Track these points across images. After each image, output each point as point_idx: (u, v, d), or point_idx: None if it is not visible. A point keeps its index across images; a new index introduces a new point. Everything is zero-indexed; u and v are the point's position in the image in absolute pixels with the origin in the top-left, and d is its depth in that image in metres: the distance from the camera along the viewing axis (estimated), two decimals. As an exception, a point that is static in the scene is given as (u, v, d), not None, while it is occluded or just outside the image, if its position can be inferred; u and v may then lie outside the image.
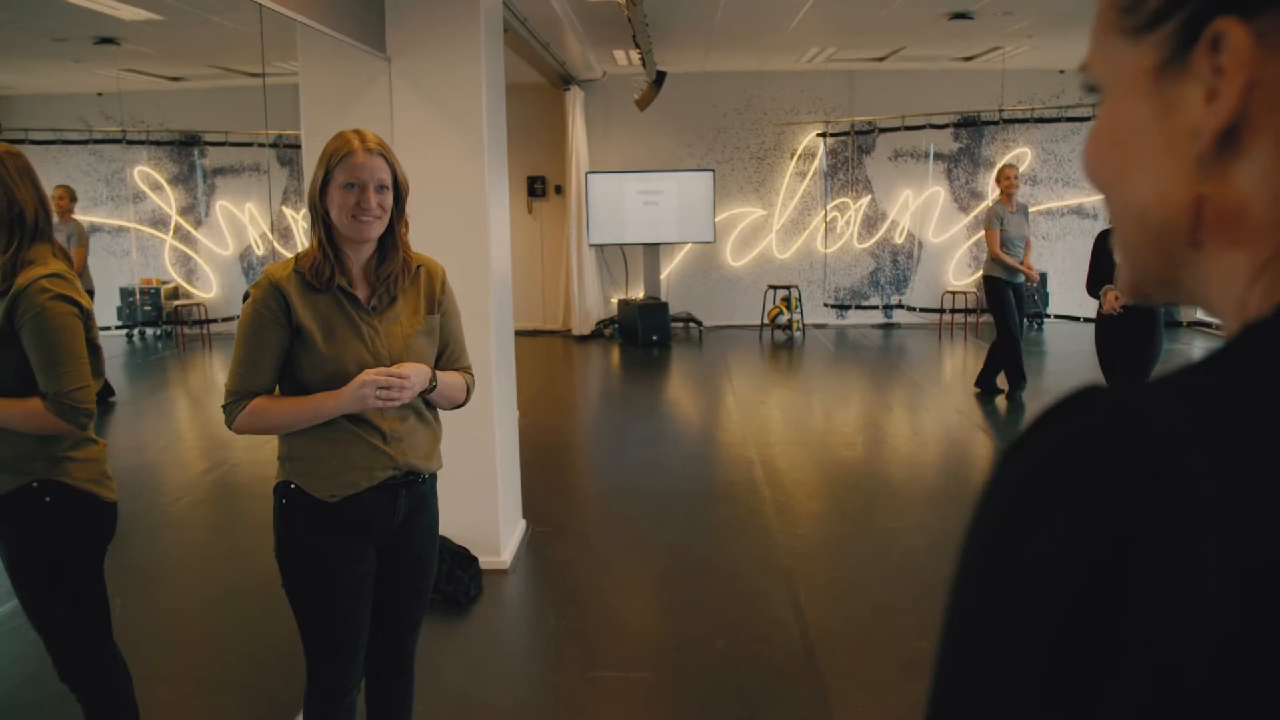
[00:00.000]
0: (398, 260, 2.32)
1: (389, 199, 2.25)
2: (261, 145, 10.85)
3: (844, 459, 6.26)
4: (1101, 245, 5.35)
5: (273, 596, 2.32)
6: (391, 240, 2.31)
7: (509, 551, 4.55)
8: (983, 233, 11.50)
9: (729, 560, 4.56)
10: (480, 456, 4.37)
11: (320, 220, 2.23)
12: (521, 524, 4.91)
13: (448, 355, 2.45)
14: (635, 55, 9.54)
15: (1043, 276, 7.70)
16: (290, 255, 2.30)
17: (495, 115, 4.42)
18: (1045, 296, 11.04)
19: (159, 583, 4.42)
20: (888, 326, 11.86)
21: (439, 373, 2.37)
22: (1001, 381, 7.97)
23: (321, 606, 2.30)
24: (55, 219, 7.54)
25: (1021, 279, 7.60)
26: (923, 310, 11.72)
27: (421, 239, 4.19)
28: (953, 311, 11.34)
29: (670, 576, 4.41)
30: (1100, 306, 5.32)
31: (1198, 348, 9.83)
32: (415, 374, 2.26)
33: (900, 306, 11.89)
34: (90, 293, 8.29)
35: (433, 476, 2.45)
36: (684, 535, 4.91)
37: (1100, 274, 5.34)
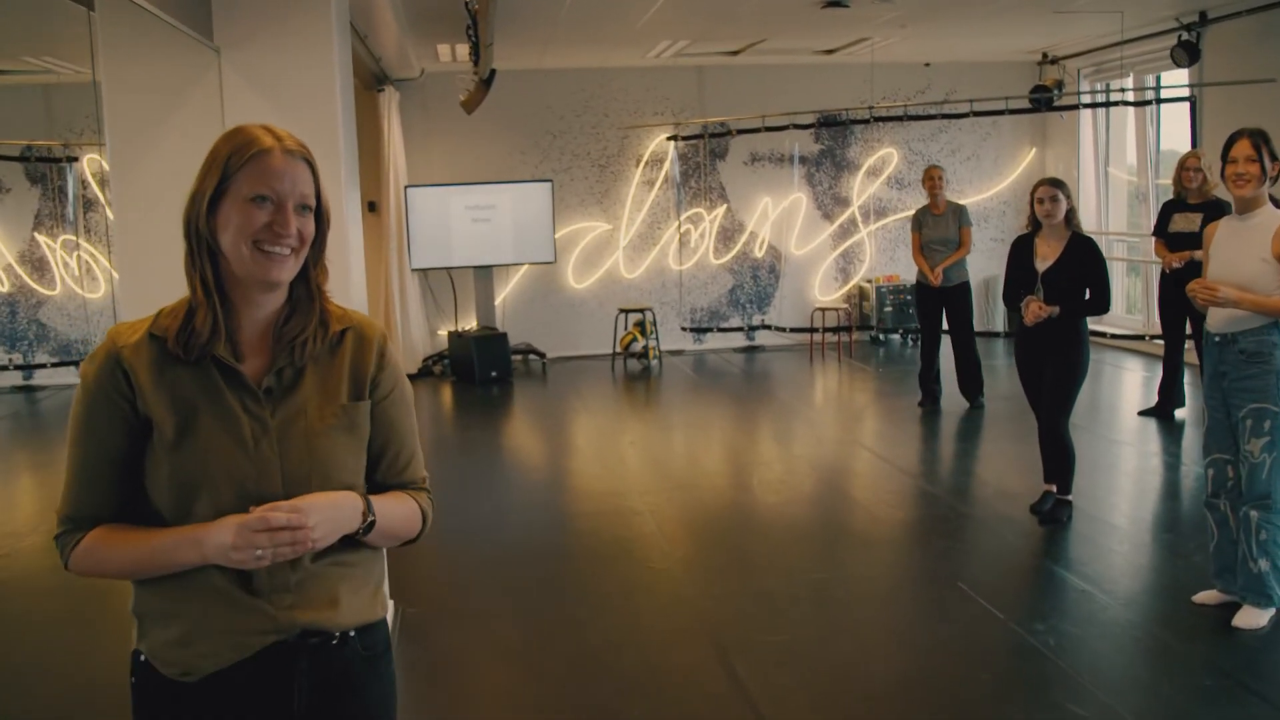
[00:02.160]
0: (311, 318, 1.80)
1: (311, 226, 1.76)
2: (5, 158, 10.07)
3: (742, 503, 6.25)
4: (1019, 252, 5.55)
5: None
6: (306, 289, 1.81)
7: (384, 640, 4.28)
8: (849, 243, 11.97)
9: (647, 632, 4.44)
10: (348, 528, 4.10)
11: (204, 252, 1.71)
12: (390, 606, 4.64)
13: (389, 463, 1.90)
14: (463, 49, 9.37)
15: (962, 286, 8.19)
16: (143, 314, 1.78)
17: (348, 117, 4.21)
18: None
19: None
20: (751, 349, 12.02)
21: (379, 500, 1.83)
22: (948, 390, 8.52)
23: None
24: None
25: (948, 284, 8.10)
26: (792, 330, 11.96)
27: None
28: (824, 330, 11.62)
29: (583, 657, 4.25)
30: (1021, 318, 5.50)
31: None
32: (323, 511, 1.70)
33: (765, 327, 12.10)
34: None
35: (365, 633, 1.86)
36: (587, 605, 4.76)
37: (1018, 282, 5.53)
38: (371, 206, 11.25)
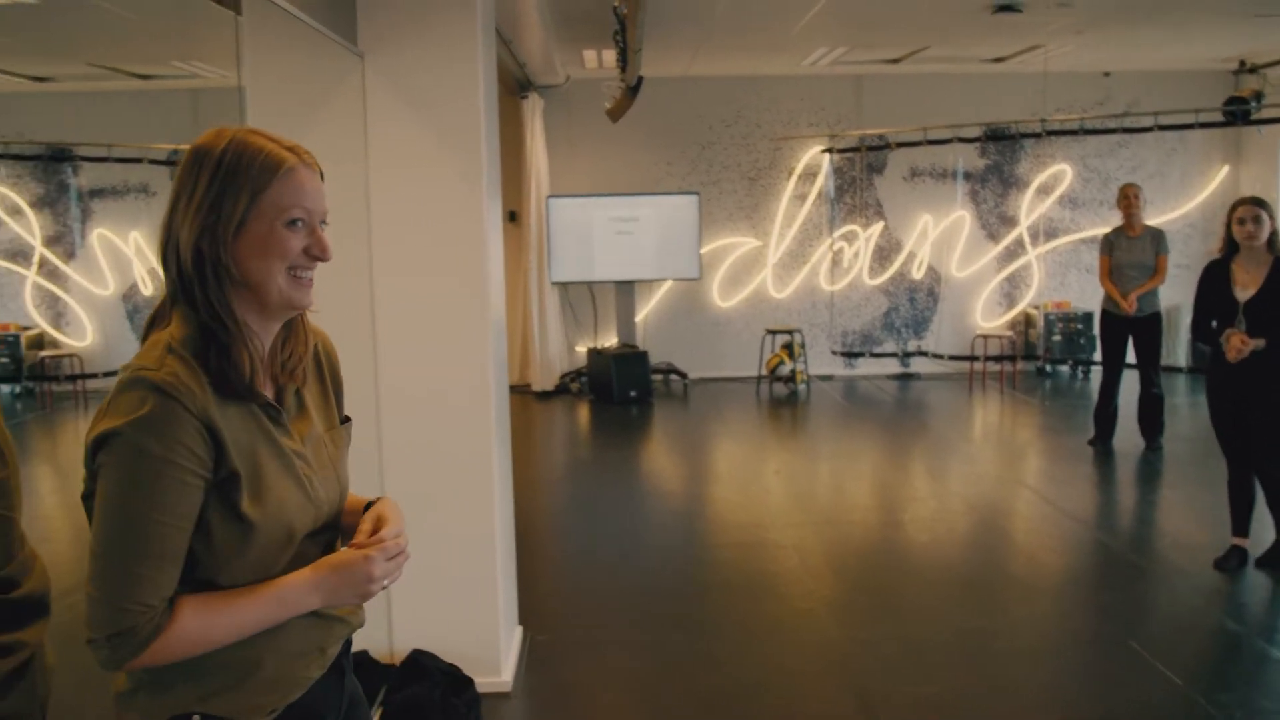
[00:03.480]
0: (306, 340, 1.78)
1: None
2: (153, 162, 10.55)
3: (892, 541, 6.10)
4: (1213, 279, 5.29)
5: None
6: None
7: (509, 669, 4.29)
8: (1016, 266, 11.63)
9: (787, 675, 4.35)
10: (477, 549, 4.14)
11: (225, 279, 1.60)
12: (519, 631, 4.66)
13: None
14: (610, 55, 9.45)
15: (1154, 317, 7.87)
16: (161, 346, 1.59)
17: (491, 125, 4.24)
18: (1092, 340, 11.04)
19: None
20: (905, 377, 11.81)
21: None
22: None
23: None
24: None
25: (1139, 313, 7.79)
26: (950, 358, 11.70)
27: (408, 277, 4.01)
28: (985, 359, 11.32)
29: (716, 698, 4.18)
30: (1214, 354, 5.24)
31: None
32: (401, 521, 1.79)
33: (921, 353, 11.86)
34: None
35: None
36: (723, 643, 4.69)
37: (1212, 313, 5.27)
38: (512, 216, 11.44)
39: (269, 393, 1.69)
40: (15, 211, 11.11)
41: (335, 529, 1.79)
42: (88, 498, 1.56)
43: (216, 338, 1.59)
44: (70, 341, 11.20)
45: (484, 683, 4.12)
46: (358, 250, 4.01)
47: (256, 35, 4.04)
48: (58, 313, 11.24)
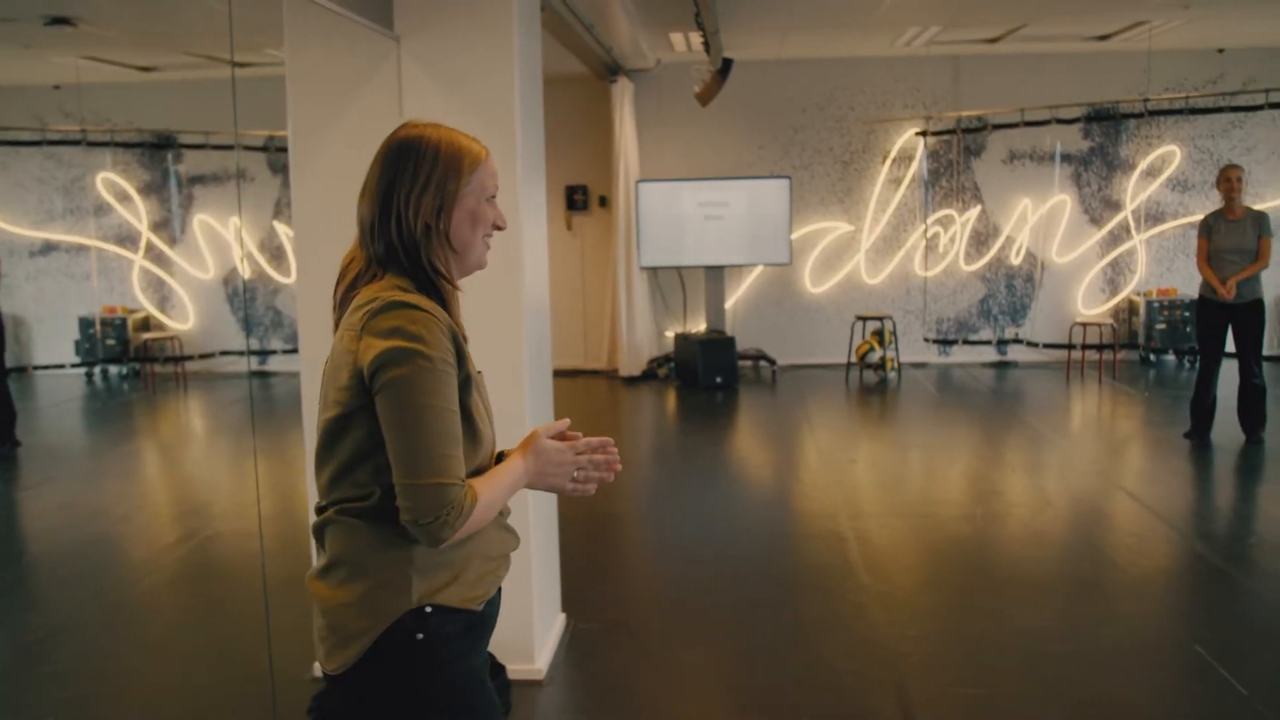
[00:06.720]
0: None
1: None
2: (249, 148, 10.79)
3: (959, 535, 5.90)
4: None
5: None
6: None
7: (544, 656, 4.25)
8: (1120, 251, 11.21)
9: (828, 672, 4.22)
10: (510, 536, 4.09)
11: (446, 246, 2.04)
12: (560, 619, 4.62)
13: None
14: (697, 39, 9.34)
15: (1255, 304, 7.49)
16: (394, 289, 1.96)
17: (530, 108, 4.19)
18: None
19: (109, 693, 4.18)
20: (1002, 365, 11.49)
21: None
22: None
23: None
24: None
25: (1239, 300, 7.49)
26: (1046, 346, 11.34)
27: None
28: (1084, 347, 10.94)
29: (755, 693, 4.08)
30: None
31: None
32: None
33: (1018, 341, 11.53)
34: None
35: None
36: (767, 636, 4.58)
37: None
38: (602, 201, 11.42)
39: None
40: (123, 197, 11.46)
41: (491, 458, 2.09)
42: (342, 419, 1.92)
43: (437, 292, 2.01)
44: (173, 324, 11.51)
45: (516, 670, 4.08)
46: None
47: (298, 21, 4.07)
48: (163, 296, 11.57)
